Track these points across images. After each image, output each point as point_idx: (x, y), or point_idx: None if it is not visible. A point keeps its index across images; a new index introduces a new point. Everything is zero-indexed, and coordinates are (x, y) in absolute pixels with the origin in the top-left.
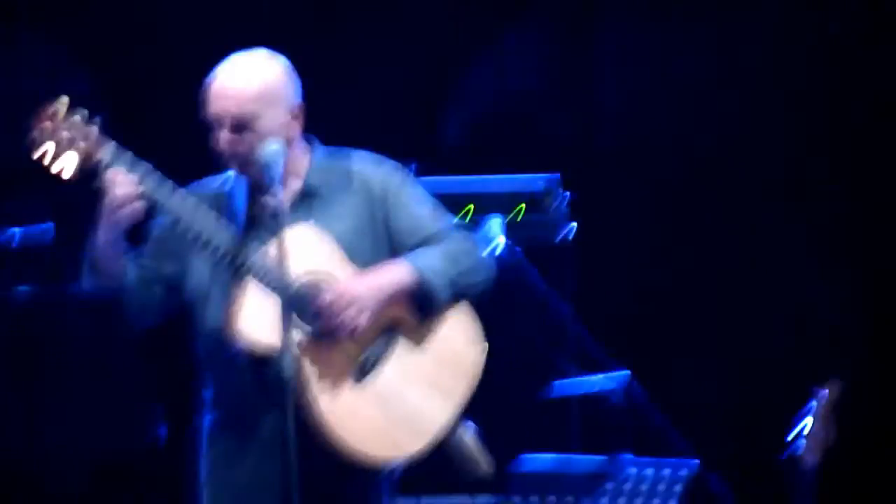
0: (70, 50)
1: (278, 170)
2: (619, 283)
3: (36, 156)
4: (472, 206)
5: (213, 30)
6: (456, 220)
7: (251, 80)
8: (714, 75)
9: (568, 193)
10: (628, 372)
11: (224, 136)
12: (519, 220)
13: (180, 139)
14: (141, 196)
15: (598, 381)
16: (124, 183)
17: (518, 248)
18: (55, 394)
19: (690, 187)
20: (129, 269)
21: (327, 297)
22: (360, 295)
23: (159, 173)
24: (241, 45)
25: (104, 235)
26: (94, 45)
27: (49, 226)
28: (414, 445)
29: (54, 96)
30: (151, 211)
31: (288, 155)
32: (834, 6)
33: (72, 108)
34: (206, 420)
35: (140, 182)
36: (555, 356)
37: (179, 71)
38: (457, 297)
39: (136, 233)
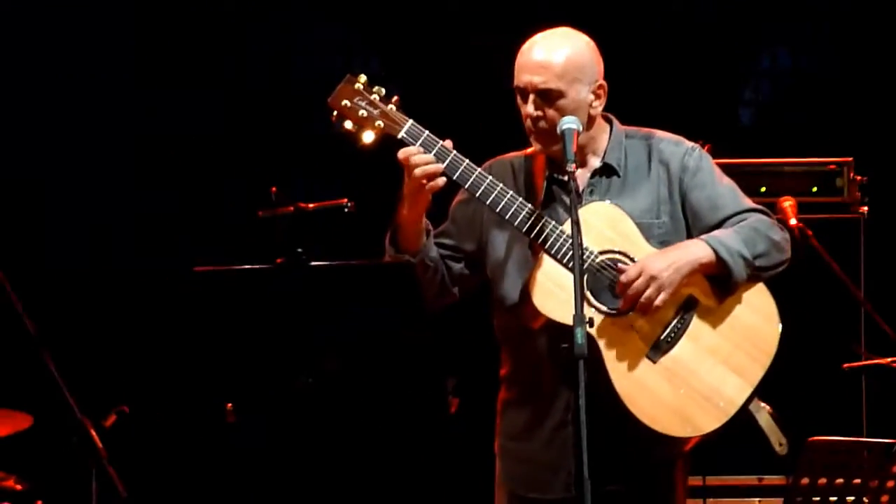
0: (362, 33)
1: (572, 146)
2: None
3: (337, 130)
4: (765, 188)
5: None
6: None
7: (558, 56)
8: None
9: (860, 176)
10: None
11: (528, 109)
12: (811, 201)
13: (474, 117)
14: (441, 173)
15: (888, 363)
16: (424, 161)
17: (809, 230)
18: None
19: None
20: (431, 247)
21: (626, 274)
22: (659, 273)
23: (454, 151)
24: (532, 28)
25: (406, 212)
26: (384, 28)
27: (343, 201)
28: (709, 424)
29: (352, 74)
30: (453, 188)
31: (587, 132)
32: None
33: (370, 85)
34: (502, 396)
35: (438, 158)
36: (846, 337)
37: (468, 51)
38: (754, 277)
39: (438, 211)
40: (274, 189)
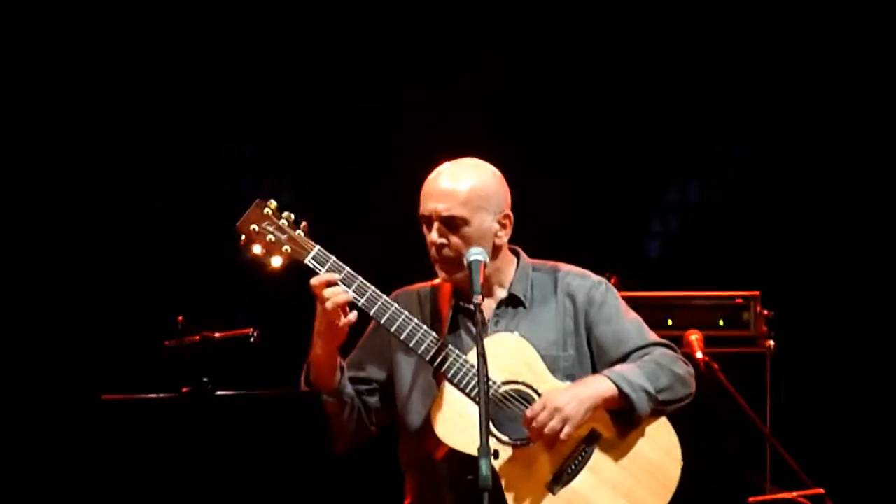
0: (273, 159)
1: (478, 276)
2: (816, 399)
3: (244, 256)
4: (672, 320)
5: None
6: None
7: (463, 185)
8: None
9: (767, 310)
10: (823, 491)
11: (432, 237)
12: (718, 335)
13: (382, 244)
14: (353, 306)
15: (793, 497)
16: (336, 292)
17: (716, 363)
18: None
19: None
20: (347, 384)
21: (532, 407)
22: (563, 406)
23: (361, 277)
24: (447, 155)
25: (321, 350)
26: (296, 155)
27: (249, 331)
28: None
29: (262, 199)
30: (362, 318)
31: (493, 263)
32: None
33: (279, 210)
34: None
35: (345, 284)
36: (750, 472)
37: (382, 175)
38: (657, 411)
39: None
40: (181, 318)
